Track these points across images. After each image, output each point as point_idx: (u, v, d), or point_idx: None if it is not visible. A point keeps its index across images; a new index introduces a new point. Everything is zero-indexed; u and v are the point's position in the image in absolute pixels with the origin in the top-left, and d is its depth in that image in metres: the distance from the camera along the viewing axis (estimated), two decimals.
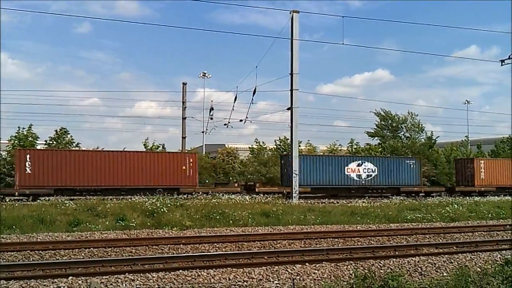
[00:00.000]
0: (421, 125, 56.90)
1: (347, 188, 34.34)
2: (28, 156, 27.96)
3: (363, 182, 34.77)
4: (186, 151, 38.03)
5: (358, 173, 34.67)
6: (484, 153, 53.12)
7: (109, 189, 28.91)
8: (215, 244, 13.70)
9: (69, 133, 38.18)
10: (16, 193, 26.96)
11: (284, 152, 39.63)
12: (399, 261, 11.22)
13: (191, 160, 31.72)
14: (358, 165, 34.90)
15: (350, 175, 34.35)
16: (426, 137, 53.24)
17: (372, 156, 39.55)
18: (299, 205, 23.45)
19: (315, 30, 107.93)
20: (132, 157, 30.44)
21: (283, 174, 34.19)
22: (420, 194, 35.56)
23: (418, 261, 11.29)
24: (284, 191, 30.18)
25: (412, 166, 36.20)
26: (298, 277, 9.69)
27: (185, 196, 27.80)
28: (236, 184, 34.49)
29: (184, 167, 31.26)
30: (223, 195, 26.50)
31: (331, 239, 15.09)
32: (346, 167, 34.29)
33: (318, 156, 37.27)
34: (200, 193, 29.03)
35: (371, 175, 35.01)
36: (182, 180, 31.03)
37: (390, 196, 33.96)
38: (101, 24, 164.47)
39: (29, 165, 27.75)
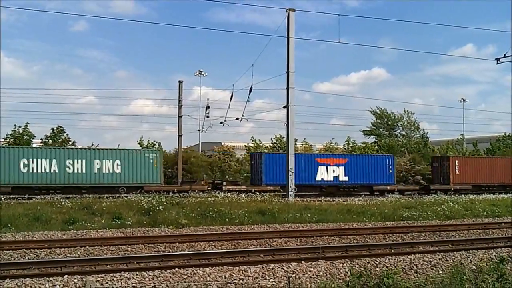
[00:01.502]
0: (417, 123, 57.16)
1: None
2: (456, 161, 38.39)
3: None
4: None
5: None
6: (480, 151, 53.34)
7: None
8: (211, 242, 13.70)
9: (65, 132, 38.14)
10: (452, 188, 36.36)
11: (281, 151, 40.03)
12: (394, 259, 11.24)
13: None
14: None
15: None
16: (420, 135, 53.52)
17: None
18: (295, 203, 23.44)
19: (312, 28, 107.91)
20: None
21: None
22: None
23: (413, 259, 11.31)
24: None
25: None
26: (294, 275, 9.68)
27: (181, 194, 27.88)
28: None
29: None
30: (219, 193, 26.46)
31: (327, 237, 15.14)
32: None
33: None
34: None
35: None
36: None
37: None
38: (98, 22, 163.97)
39: (457, 168, 37.87)
